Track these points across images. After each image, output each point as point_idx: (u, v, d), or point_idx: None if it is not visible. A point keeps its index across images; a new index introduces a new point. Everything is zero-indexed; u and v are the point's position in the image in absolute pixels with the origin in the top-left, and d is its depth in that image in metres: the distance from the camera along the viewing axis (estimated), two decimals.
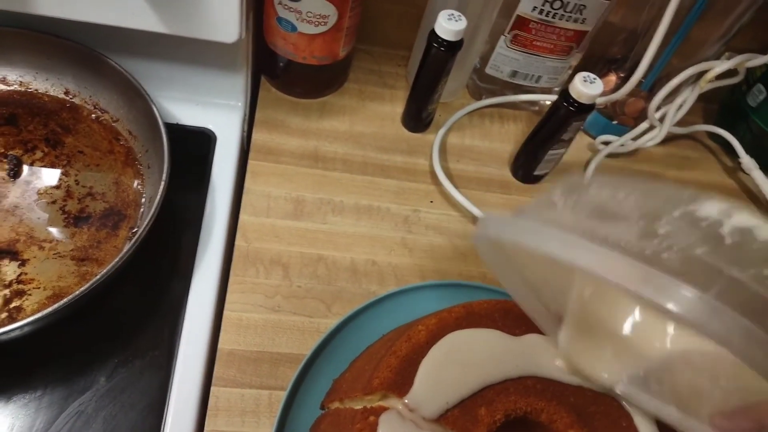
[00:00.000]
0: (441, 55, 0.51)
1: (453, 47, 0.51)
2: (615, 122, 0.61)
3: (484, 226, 0.33)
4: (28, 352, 0.42)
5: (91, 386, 0.42)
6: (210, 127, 0.55)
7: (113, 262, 0.40)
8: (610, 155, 0.61)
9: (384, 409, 0.35)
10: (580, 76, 0.49)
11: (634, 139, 0.59)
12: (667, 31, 0.51)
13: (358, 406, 0.36)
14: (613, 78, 0.60)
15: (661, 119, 0.57)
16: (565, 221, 0.30)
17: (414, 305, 0.47)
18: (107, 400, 0.41)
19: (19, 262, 0.44)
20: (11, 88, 0.52)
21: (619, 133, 0.60)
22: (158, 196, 0.44)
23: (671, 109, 0.56)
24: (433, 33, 0.50)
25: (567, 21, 0.53)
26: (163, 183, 0.45)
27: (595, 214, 0.29)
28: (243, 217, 0.50)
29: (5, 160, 0.49)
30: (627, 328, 0.37)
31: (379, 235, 0.52)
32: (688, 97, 0.55)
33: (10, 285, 0.43)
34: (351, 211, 0.52)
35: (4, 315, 0.42)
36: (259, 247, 0.49)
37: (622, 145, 0.59)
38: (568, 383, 0.37)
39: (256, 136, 0.55)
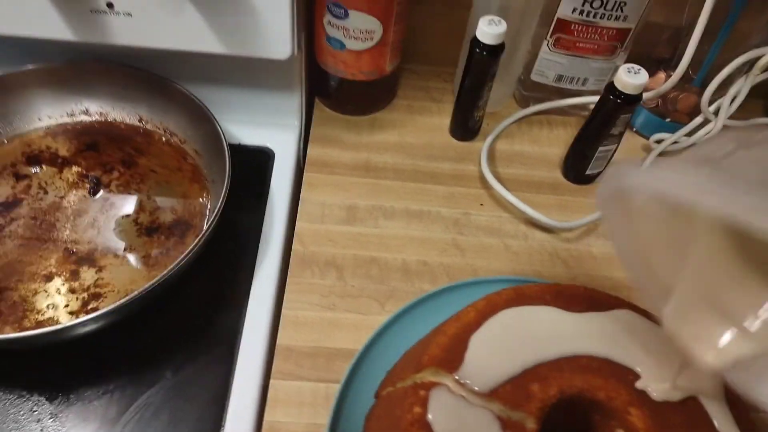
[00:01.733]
0: (484, 59, 0.53)
1: (495, 51, 0.52)
2: (668, 120, 0.60)
3: (618, 176, 0.29)
4: (101, 348, 0.45)
5: (159, 380, 0.44)
6: (269, 145, 0.58)
7: (176, 262, 0.43)
8: (666, 153, 0.60)
9: (434, 384, 0.35)
10: (624, 68, 0.49)
11: (689, 134, 0.57)
12: (710, 24, 0.51)
13: (409, 384, 0.36)
14: (662, 76, 0.60)
15: (716, 113, 0.56)
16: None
17: (466, 300, 0.46)
18: (173, 392, 0.43)
19: (97, 268, 0.48)
20: (93, 119, 0.58)
21: (674, 131, 0.59)
22: (219, 205, 0.47)
23: (725, 101, 0.55)
24: (474, 39, 0.52)
25: (608, 20, 0.54)
26: (224, 192, 0.48)
27: None
28: (299, 224, 0.52)
29: (86, 180, 0.53)
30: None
31: (430, 237, 0.52)
32: (741, 88, 0.54)
33: (88, 289, 0.47)
34: (402, 215, 0.54)
35: (82, 315, 0.45)
36: (314, 251, 0.51)
37: (677, 142, 0.58)
38: (623, 364, 0.36)
39: (312, 151, 0.58)
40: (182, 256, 0.43)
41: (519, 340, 0.36)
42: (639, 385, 0.35)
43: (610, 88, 0.50)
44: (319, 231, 0.52)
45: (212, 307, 0.48)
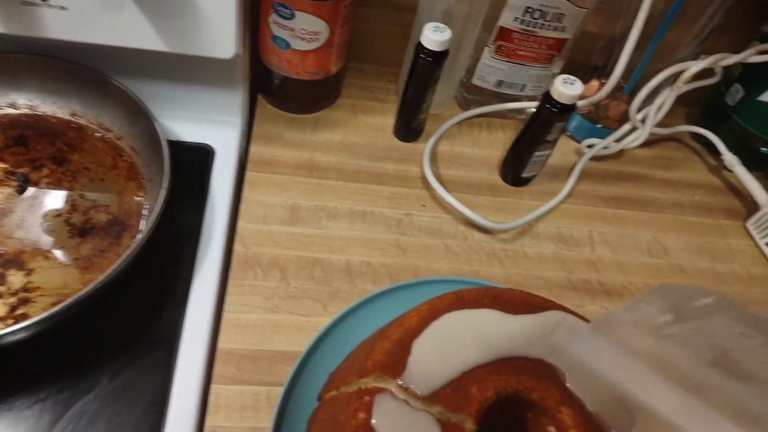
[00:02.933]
0: (428, 64, 0.53)
1: (439, 57, 0.53)
2: (599, 126, 0.63)
3: (566, 339, 0.30)
4: (33, 355, 0.43)
5: (95, 387, 0.43)
6: (209, 142, 0.57)
7: (114, 266, 0.42)
8: (597, 158, 0.63)
9: (378, 389, 0.35)
10: (560, 78, 0.51)
11: (618, 140, 0.61)
12: (641, 36, 0.53)
13: (354, 389, 0.37)
14: (595, 84, 0.62)
15: (643, 120, 0.59)
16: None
17: (408, 301, 0.48)
18: (110, 399, 0.42)
19: (25, 271, 0.46)
20: (21, 111, 0.55)
21: (604, 137, 0.62)
22: (158, 206, 0.46)
23: (652, 110, 0.58)
24: (419, 44, 0.53)
25: (547, 30, 0.56)
26: (163, 192, 0.47)
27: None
28: (241, 224, 0.52)
29: (14, 178, 0.51)
30: None
31: (374, 237, 0.53)
32: (667, 98, 0.58)
33: (16, 293, 0.45)
34: (345, 216, 0.54)
35: (10, 322, 0.43)
36: (257, 252, 0.50)
37: (606, 147, 0.61)
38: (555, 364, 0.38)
39: (254, 149, 0.57)
40: (120, 261, 0.42)
41: (459, 343, 0.38)
42: (569, 384, 0.38)
43: (547, 97, 0.52)
44: (261, 231, 0.52)
45: (150, 310, 0.47)
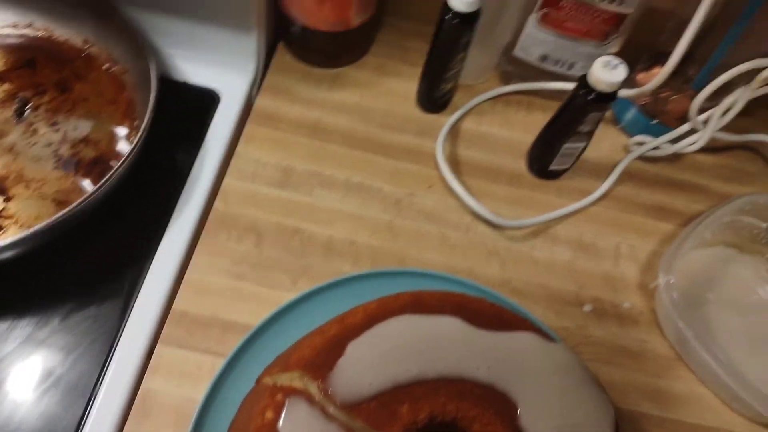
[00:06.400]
0: (453, 27, 0.47)
1: (467, 19, 0.46)
2: (656, 122, 0.54)
3: None
4: None
5: (47, 324, 0.42)
6: (216, 87, 0.54)
7: (77, 202, 0.40)
8: (647, 158, 0.54)
9: (294, 390, 0.32)
10: (601, 61, 0.43)
11: (673, 142, 0.51)
12: (723, 18, 0.44)
13: (270, 383, 0.33)
14: (657, 71, 0.53)
15: (706, 122, 0.50)
16: None
17: (383, 291, 0.43)
18: (56, 340, 0.41)
19: (5, 197, 0.45)
20: (37, 33, 0.54)
21: (659, 135, 0.53)
22: (135, 145, 0.44)
23: (717, 111, 0.49)
24: (445, 3, 0.47)
25: (603, 1, 0.48)
26: (141, 132, 0.44)
27: None
28: (227, 180, 0.49)
29: (15, 101, 0.50)
30: None
31: (365, 215, 0.49)
32: (738, 99, 0.48)
33: None
34: (340, 186, 0.50)
35: None
36: (236, 213, 0.47)
37: (657, 148, 0.52)
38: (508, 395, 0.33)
39: (260, 100, 0.54)
40: (85, 197, 0.40)
41: (401, 352, 0.33)
42: (519, 423, 0.32)
43: (582, 81, 0.44)
44: (247, 190, 0.48)
45: (114, 256, 0.45)
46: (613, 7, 0.48)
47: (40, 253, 0.43)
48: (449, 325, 0.34)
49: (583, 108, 0.45)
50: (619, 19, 0.49)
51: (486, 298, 0.37)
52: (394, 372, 0.32)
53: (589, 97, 0.44)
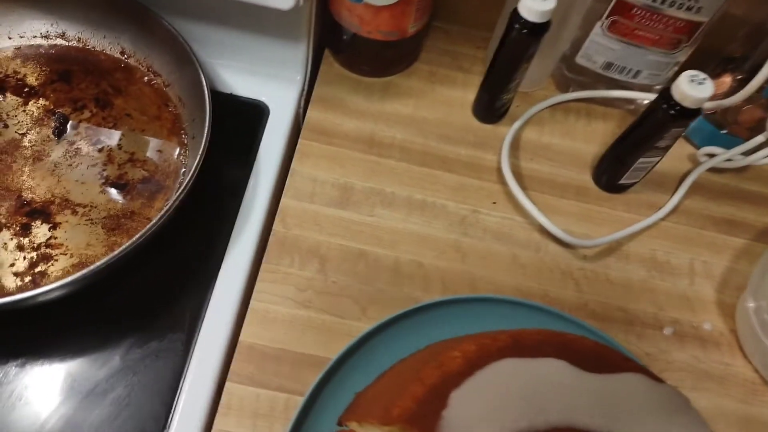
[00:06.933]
0: (523, 38, 0.44)
1: (538, 30, 0.44)
2: (724, 132, 0.52)
3: None
4: (47, 319, 0.40)
5: (106, 363, 0.39)
6: (264, 99, 0.51)
7: (139, 234, 0.38)
8: (713, 169, 0.52)
9: None
10: (686, 75, 0.41)
11: (746, 153, 0.49)
12: None
13: None
14: (727, 80, 0.51)
15: None
16: None
17: (459, 320, 0.41)
18: (118, 380, 0.39)
19: (51, 225, 0.43)
20: (70, 44, 0.51)
21: (728, 145, 0.51)
22: (193, 168, 0.41)
23: None
24: (515, 12, 0.44)
25: (679, 9, 0.45)
26: (200, 155, 0.41)
27: None
28: (285, 200, 0.46)
29: (53, 118, 0.47)
30: None
31: (431, 234, 0.46)
32: None
33: (38, 248, 0.42)
34: (402, 204, 0.47)
35: (27, 279, 0.40)
36: (297, 235, 0.45)
37: (729, 160, 0.50)
38: None
39: (311, 113, 0.51)
40: (146, 228, 0.38)
41: (508, 403, 0.31)
42: None
43: (665, 95, 0.42)
44: (306, 211, 0.46)
45: (174, 285, 0.43)
46: (689, 15, 0.46)
47: (91, 287, 0.40)
48: (554, 369, 0.32)
49: (664, 123, 0.43)
50: (693, 27, 0.47)
51: (586, 335, 0.35)
52: (503, 425, 0.30)
53: (673, 112, 0.42)
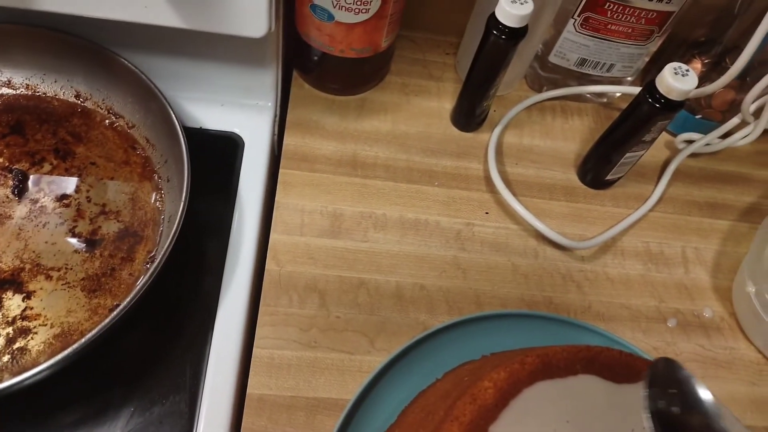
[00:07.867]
0: (501, 44, 0.44)
1: (516, 34, 0.43)
2: (699, 117, 0.52)
3: None
4: (33, 398, 0.37)
5: None
6: (236, 131, 0.49)
7: (128, 300, 0.35)
8: (690, 155, 0.53)
9: None
10: (670, 68, 0.41)
11: (723, 137, 0.50)
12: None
13: None
14: (696, 65, 0.52)
15: (756, 114, 0.49)
16: None
17: (472, 340, 0.40)
18: None
19: (24, 294, 0.39)
20: (17, 92, 0.47)
21: (702, 129, 0.52)
22: (178, 217, 0.38)
23: None
24: (493, 18, 0.43)
25: (649, 0, 0.45)
26: (182, 201, 0.39)
27: None
28: (274, 236, 0.44)
29: (10, 176, 0.43)
30: None
31: (428, 254, 0.45)
32: None
33: (13, 322, 0.38)
34: (395, 225, 0.46)
35: (6, 358, 0.37)
36: (292, 271, 0.43)
37: (708, 144, 0.51)
38: None
39: (288, 140, 0.49)
40: (134, 292, 0.35)
41: (550, 429, 0.30)
42: None
43: (650, 89, 0.42)
44: (297, 245, 0.44)
45: (168, 345, 0.40)
46: (659, 6, 0.46)
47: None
48: (588, 386, 0.32)
49: (650, 117, 0.43)
50: (664, 17, 0.47)
51: (611, 346, 0.34)
52: None
53: (658, 105, 0.42)
